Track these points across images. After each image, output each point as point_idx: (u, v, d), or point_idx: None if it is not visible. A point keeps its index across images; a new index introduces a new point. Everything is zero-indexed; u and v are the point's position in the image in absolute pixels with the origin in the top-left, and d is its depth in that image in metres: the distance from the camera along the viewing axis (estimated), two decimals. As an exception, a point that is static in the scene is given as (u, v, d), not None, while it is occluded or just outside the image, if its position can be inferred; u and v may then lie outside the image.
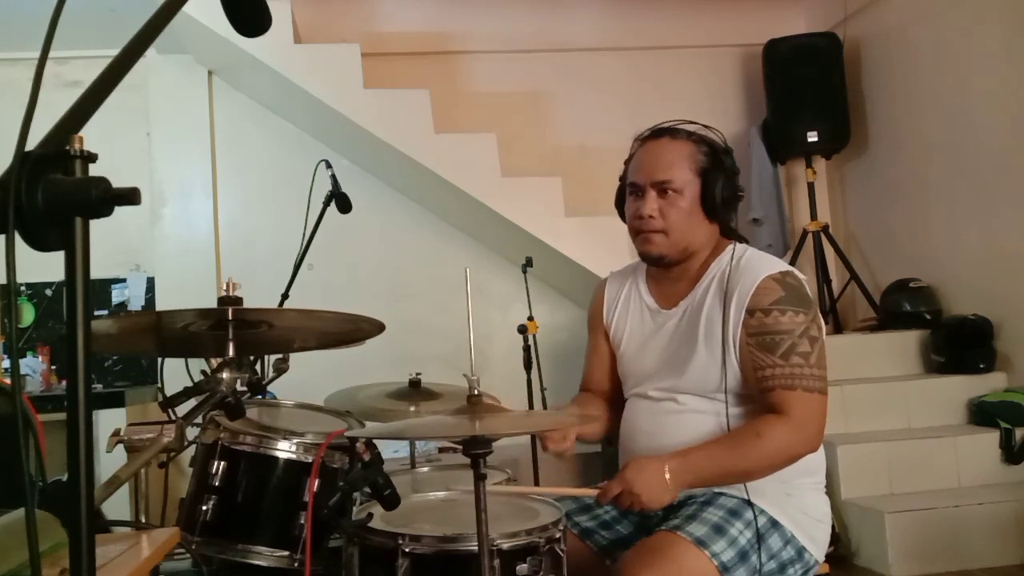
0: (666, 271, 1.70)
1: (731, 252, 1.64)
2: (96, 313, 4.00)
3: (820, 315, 1.58)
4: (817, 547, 1.56)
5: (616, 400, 1.82)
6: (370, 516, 1.45)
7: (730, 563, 1.43)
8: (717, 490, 1.55)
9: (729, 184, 1.62)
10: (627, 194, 1.69)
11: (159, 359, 1.91)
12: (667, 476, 1.44)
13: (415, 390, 2.19)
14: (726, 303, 1.57)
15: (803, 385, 1.50)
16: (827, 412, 1.53)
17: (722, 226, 1.68)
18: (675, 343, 1.65)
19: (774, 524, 1.52)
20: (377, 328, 1.69)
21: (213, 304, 1.58)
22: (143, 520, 1.91)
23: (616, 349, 1.80)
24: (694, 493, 1.57)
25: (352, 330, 1.82)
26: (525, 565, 1.35)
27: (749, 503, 1.51)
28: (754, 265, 1.59)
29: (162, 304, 4.00)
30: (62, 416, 0.63)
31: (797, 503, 1.56)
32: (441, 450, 3.05)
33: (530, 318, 3.05)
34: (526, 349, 3.03)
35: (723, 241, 1.69)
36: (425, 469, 2.28)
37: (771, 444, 1.48)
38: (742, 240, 1.71)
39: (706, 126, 1.68)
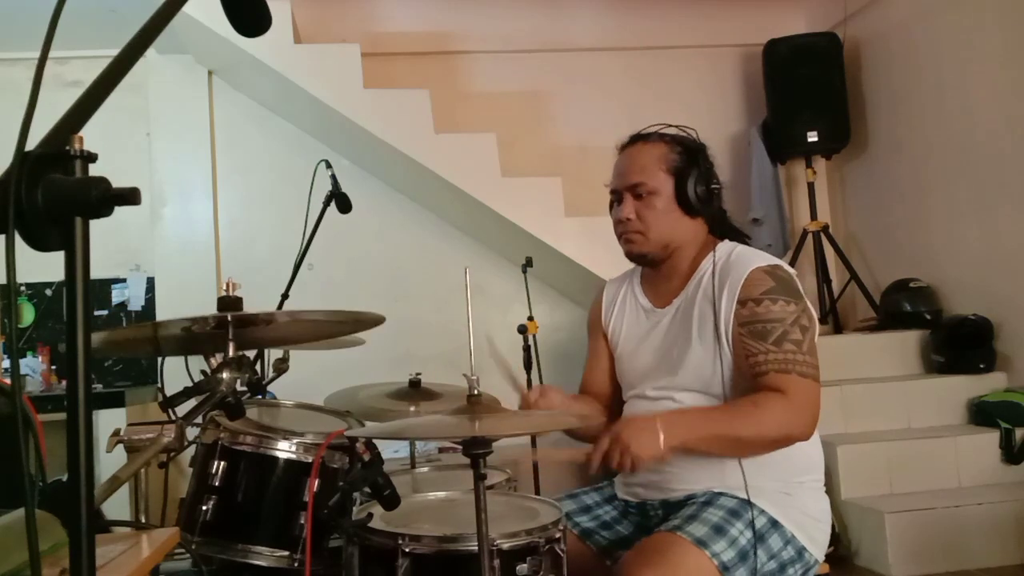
0: (657, 271, 1.73)
1: (721, 249, 1.67)
2: (96, 313, 4.00)
3: (811, 307, 1.59)
4: (817, 547, 1.57)
5: (616, 403, 1.83)
6: (370, 516, 1.45)
7: (730, 563, 1.43)
8: (717, 490, 1.55)
9: (703, 179, 1.64)
10: (611, 202, 1.74)
11: (159, 359, 1.91)
12: (659, 428, 1.42)
13: (415, 390, 2.19)
14: (717, 296, 1.58)
15: (797, 370, 1.50)
16: (821, 402, 1.52)
17: (712, 223, 1.71)
18: (669, 341, 1.67)
19: (774, 524, 1.52)
20: (375, 320, 1.69)
21: (213, 304, 1.58)
22: (143, 520, 1.91)
23: (614, 351, 1.81)
24: (695, 492, 1.57)
25: (352, 326, 1.82)
26: (525, 565, 1.35)
27: (749, 503, 1.51)
28: (744, 259, 1.61)
29: (162, 304, 4.00)
30: (62, 416, 0.63)
31: (797, 503, 1.56)
32: (441, 450, 3.05)
33: (530, 318, 3.05)
34: (526, 349, 3.03)
35: (713, 239, 1.71)
36: (425, 469, 2.28)
37: (768, 416, 1.47)
38: (743, 236, 1.73)
39: (682, 127, 1.72)
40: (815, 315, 1.60)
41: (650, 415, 1.47)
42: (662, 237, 1.66)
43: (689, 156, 1.66)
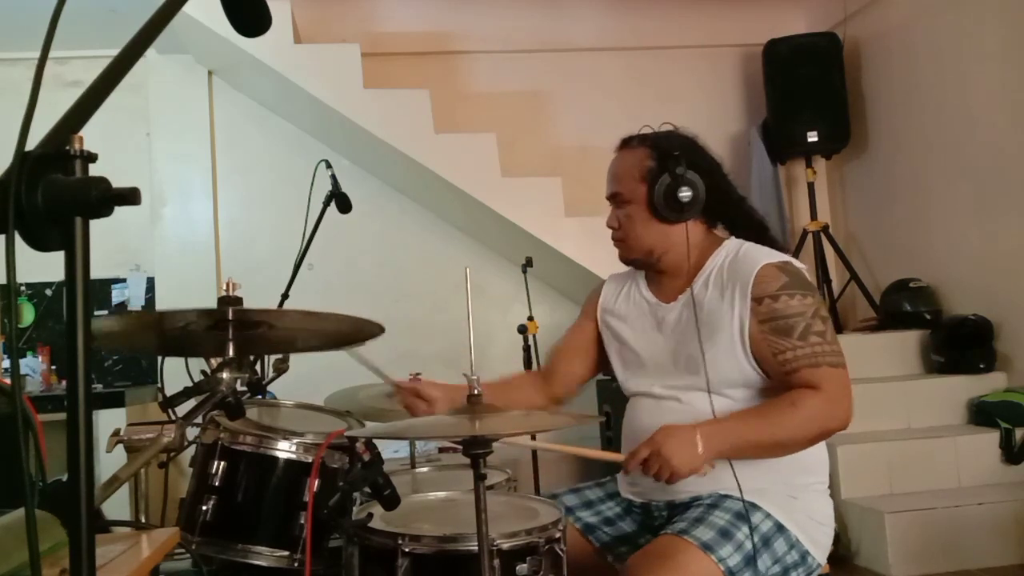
0: (658, 271, 1.73)
1: (729, 246, 1.66)
2: (96, 313, 4.00)
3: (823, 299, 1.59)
4: (820, 550, 1.56)
5: (570, 381, 1.85)
6: (370, 516, 1.45)
7: (736, 568, 1.42)
8: (723, 492, 1.54)
9: (672, 186, 1.62)
10: None
11: (159, 359, 1.91)
12: (699, 441, 1.43)
13: (415, 390, 2.18)
14: (728, 295, 1.58)
15: (828, 361, 1.50)
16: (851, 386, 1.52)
17: (711, 220, 1.70)
18: (676, 339, 1.66)
19: (779, 528, 1.51)
20: (377, 330, 1.69)
21: (213, 304, 1.58)
22: (143, 520, 1.91)
23: (617, 344, 1.80)
24: (700, 495, 1.56)
25: (352, 331, 1.82)
26: (525, 565, 1.35)
27: (756, 506, 1.51)
28: (752, 256, 1.60)
29: (162, 304, 4.01)
30: (62, 416, 0.63)
31: (802, 506, 1.55)
32: (441, 450, 3.05)
33: (530, 318, 3.05)
34: (526, 349, 3.03)
35: (718, 237, 1.71)
36: (425, 469, 2.28)
37: (805, 414, 1.47)
38: (760, 229, 1.71)
39: (668, 125, 1.72)
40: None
41: (691, 426, 1.46)
42: (641, 244, 1.68)
43: (662, 162, 1.64)
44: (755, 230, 1.71)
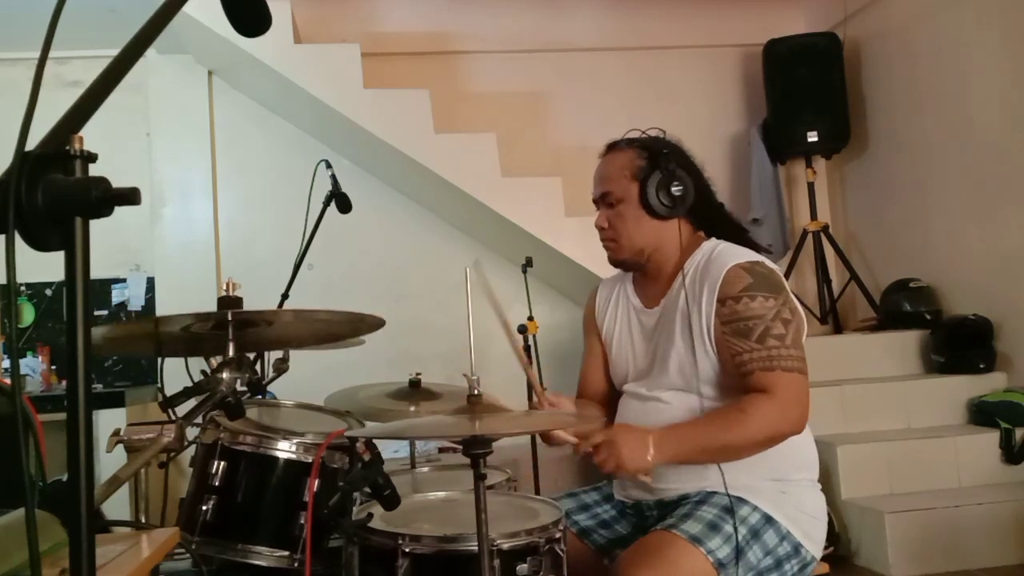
0: (644, 273, 1.76)
1: (704, 248, 1.68)
2: (96, 313, 4.00)
3: (793, 299, 1.59)
4: (813, 544, 1.57)
5: (612, 401, 1.84)
6: (370, 516, 1.45)
7: (726, 559, 1.44)
8: (711, 489, 1.55)
9: (664, 182, 1.65)
10: None
11: (159, 359, 1.91)
12: (650, 444, 1.46)
13: (415, 390, 2.19)
14: (697, 296, 1.60)
15: (782, 365, 1.51)
16: (809, 392, 1.53)
17: (696, 221, 1.71)
18: (655, 340, 1.69)
19: (769, 520, 1.53)
20: (376, 324, 1.69)
21: (213, 304, 1.58)
22: (143, 520, 1.91)
23: (607, 349, 1.83)
24: (688, 492, 1.57)
25: (352, 328, 1.82)
26: (525, 565, 1.35)
27: (743, 500, 1.52)
28: (723, 257, 1.62)
29: (162, 304, 4.00)
30: (62, 416, 0.63)
31: (792, 500, 1.57)
32: (441, 450, 3.05)
33: (530, 318, 3.05)
34: (526, 349, 3.03)
35: (700, 238, 1.72)
36: (425, 469, 2.28)
37: (754, 419, 1.48)
38: (738, 230, 1.73)
39: (649, 130, 1.74)
40: (799, 307, 1.60)
41: (646, 429, 1.49)
42: (634, 243, 1.70)
43: (654, 160, 1.67)
44: (735, 232, 1.72)
